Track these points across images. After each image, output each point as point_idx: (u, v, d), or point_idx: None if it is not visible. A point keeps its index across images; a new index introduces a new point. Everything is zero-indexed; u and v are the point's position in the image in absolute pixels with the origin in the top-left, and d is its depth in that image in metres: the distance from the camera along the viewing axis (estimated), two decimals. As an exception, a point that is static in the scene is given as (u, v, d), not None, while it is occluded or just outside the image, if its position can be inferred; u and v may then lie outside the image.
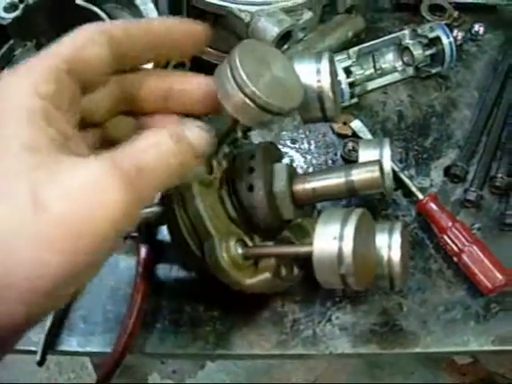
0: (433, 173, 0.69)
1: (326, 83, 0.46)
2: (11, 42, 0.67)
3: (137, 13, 0.65)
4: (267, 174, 0.51)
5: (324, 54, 0.47)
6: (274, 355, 0.59)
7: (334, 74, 0.47)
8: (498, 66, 0.76)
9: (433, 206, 0.63)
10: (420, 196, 0.64)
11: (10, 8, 0.65)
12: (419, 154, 0.70)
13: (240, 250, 0.49)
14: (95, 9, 0.66)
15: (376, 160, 0.54)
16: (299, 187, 0.52)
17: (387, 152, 0.58)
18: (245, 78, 0.39)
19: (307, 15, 0.66)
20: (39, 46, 0.68)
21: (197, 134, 0.37)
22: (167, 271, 0.61)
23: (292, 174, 0.53)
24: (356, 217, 0.43)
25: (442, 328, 0.60)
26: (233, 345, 0.59)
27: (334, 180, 0.52)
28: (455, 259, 0.61)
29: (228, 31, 0.69)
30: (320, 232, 0.43)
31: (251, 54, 0.41)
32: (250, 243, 0.51)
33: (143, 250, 0.59)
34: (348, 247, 0.41)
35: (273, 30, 0.63)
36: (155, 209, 0.51)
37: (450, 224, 0.62)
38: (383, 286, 0.50)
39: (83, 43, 0.36)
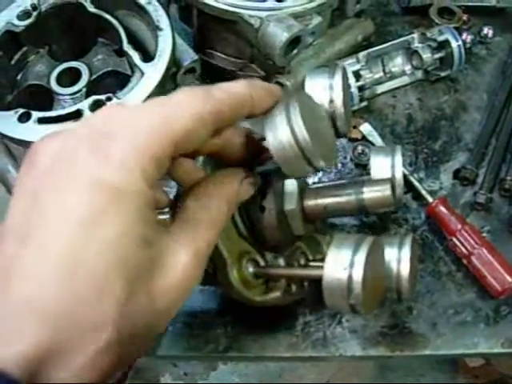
0: (442, 176, 0.70)
1: (338, 102, 0.45)
2: (24, 48, 0.68)
3: (148, 19, 0.66)
4: (278, 193, 0.51)
5: (337, 70, 0.46)
6: (285, 358, 0.59)
7: (346, 87, 0.47)
8: (507, 68, 0.76)
9: (442, 208, 0.64)
10: (430, 199, 0.65)
11: (23, 16, 0.66)
12: (429, 157, 0.71)
13: (251, 269, 0.50)
14: (107, 16, 0.67)
15: (387, 179, 0.54)
16: (311, 203, 0.53)
17: (399, 160, 0.58)
18: (305, 133, 0.38)
19: (316, 20, 0.66)
20: (52, 53, 0.69)
21: (247, 191, 0.41)
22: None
23: (303, 189, 0.53)
24: (367, 246, 0.43)
25: (451, 330, 0.60)
26: (244, 347, 0.59)
27: (345, 198, 0.53)
28: (465, 262, 0.62)
29: (237, 36, 0.69)
30: (331, 259, 0.43)
31: (305, 107, 0.39)
32: (261, 261, 0.52)
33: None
34: (358, 278, 0.41)
35: (282, 36, 0.63)
36: None
37: (459, 227, 0.62)
38: (390, 297, 0.51)
39: (194, 126, 0.34)
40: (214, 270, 0.50)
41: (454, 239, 0.62)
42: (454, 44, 0.71)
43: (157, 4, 0.67)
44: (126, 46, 0.65)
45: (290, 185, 0.52)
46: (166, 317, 0.34)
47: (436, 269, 0.63)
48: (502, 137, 0.70)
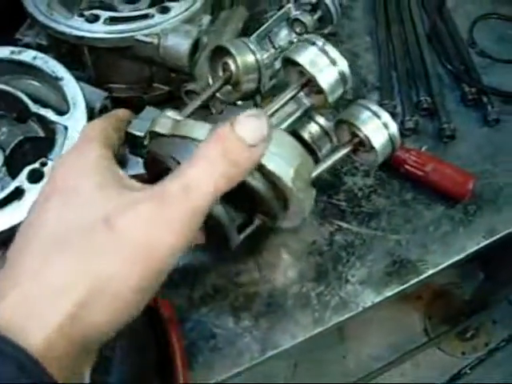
0: (366, 118, 0.74)
1: None
2: None
3: (40, 75, 0.63)
4: None
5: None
6: (317, 334, 0.60)
7: None
8: (374, 8, 0.82)
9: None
10: (368, 143, 0.69)
11: None
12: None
13: None
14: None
15: None
16: None
17: None
18: None
19: (206, 19, 0.67)
20: None
21: (249, 126, 0.41)
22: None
23: None
24: None
25: (440, 244, 0.65)
26: (277, 342, 0.59)
27: None
28: (423, 181, 0.67)
29: (133, 61, 0.68)
30: None
31: None
32: None
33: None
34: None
35: (185, 43, 0.63)
36: None
37: (406, 155, 0.67)
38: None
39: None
40: None
41: (406, 166, 0.67)
42: (327, 1, 0.75)
43: (44, 56, 0.64)
44: (34, 107, 0.61)
45: None
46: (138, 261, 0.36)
47: (402, 199, 0.68)
48: (400, 67, 0.76)
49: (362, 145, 0.55)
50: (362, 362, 1.67)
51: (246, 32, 0.77)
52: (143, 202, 0.37)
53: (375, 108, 0.55)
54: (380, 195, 0.68)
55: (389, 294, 0.62)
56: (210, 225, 0.53)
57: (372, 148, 0.55)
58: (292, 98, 0.57)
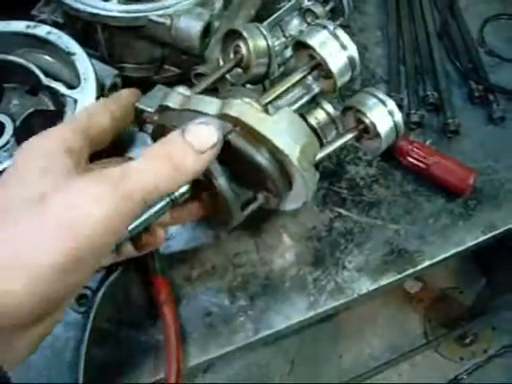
0: (373, 111, 0.75)
1: None
2: None
3: (54, 49, 0.64)
4: None
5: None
6: (311, 317, 0.61)
7: None
8: (386, 4, 0.83)
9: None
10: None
11: None
12: (354, 99, 0.76)
13: None
14: (11, 58, 0.64)
15: None
16: None
17: None
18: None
19: (219, 3, 0.68)
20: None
21: (200, 133, 0.44)
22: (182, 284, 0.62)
23: None
24: None
25: (438, 236, 0.65)
26: (271, 323, 0.60)
27: None
28: (425, 174, 0.67)
29: (145, 41, 0.69)
30: None
31: None
32: None
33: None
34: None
35: (196, 25, 0.64)
36: (183, 189, 0.51)
37: (410, 146, 0.68)
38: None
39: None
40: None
41: (409, 158, 0.68)
42: (340, -8, 0.76)
43: (58, 31, 0.65)
44: (46, 80, 0.62)
45: None
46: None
47: (403, 190, 0.69)
48: (408, 62, 0.77)
49: (366, 131, 0.56)
50: (359, 362, 1.68)
51: (257, 20, 0.78)
52: (80, 179, 0.40)
53: (382, 96, 0.56)
54: (381, 185, 0.69)
55: (384, 282, 0.63)
56: (214, 202, 0.55)
57: (377, 135, 0.55)
58: (301, 79, 0.58)
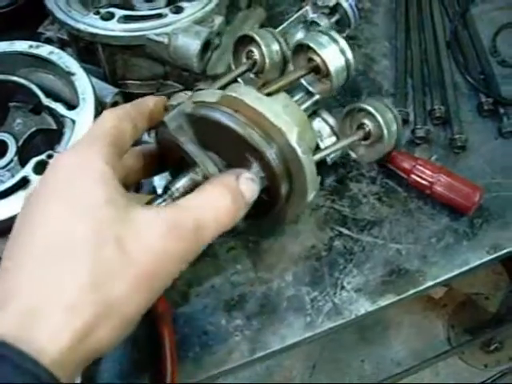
0: (377, 125, 0.73)
1: None
2: None
3: (55, 69, 0.65)
4: None
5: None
6: (307, 338, 0.61)
7: None
8: (395, 13, 0.81)
9: (392, 153, 0.68)
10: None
11: None
12: (359, 113, 0.74)
13: None
14: (15, 78, 0.65)
15: None
16: None
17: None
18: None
19: (219, 20, 0.68)
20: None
21: (250, 187, 0.43)
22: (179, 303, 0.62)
23: None
24: None
25: (441, 256, 0.64)
26: (267, 344, 0.60)
27: None
28: (428, 192, 0.66)
29: (146, 59, 0.69)
30: None
31: None
32: None
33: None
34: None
35: (194, 44, 0.64)
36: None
37: (413, 164, 0.66)
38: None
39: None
40: None
41: (412, 176, 0.66)
42: (345, 4, 0.74)
43: (59, 51, 0.66)
44: (46, 101, 0.63)
45: None
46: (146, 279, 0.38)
47: (405, 208, 0.67)
48: (416, 74, 0.75)
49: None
50: (381, 367, 1.66)
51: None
52: (156, 229, 0.38)
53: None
54: (384, 203, 0.68)
55: (383, 303, 0.61)
56: None
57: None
58: (298, 78, 0.58)
